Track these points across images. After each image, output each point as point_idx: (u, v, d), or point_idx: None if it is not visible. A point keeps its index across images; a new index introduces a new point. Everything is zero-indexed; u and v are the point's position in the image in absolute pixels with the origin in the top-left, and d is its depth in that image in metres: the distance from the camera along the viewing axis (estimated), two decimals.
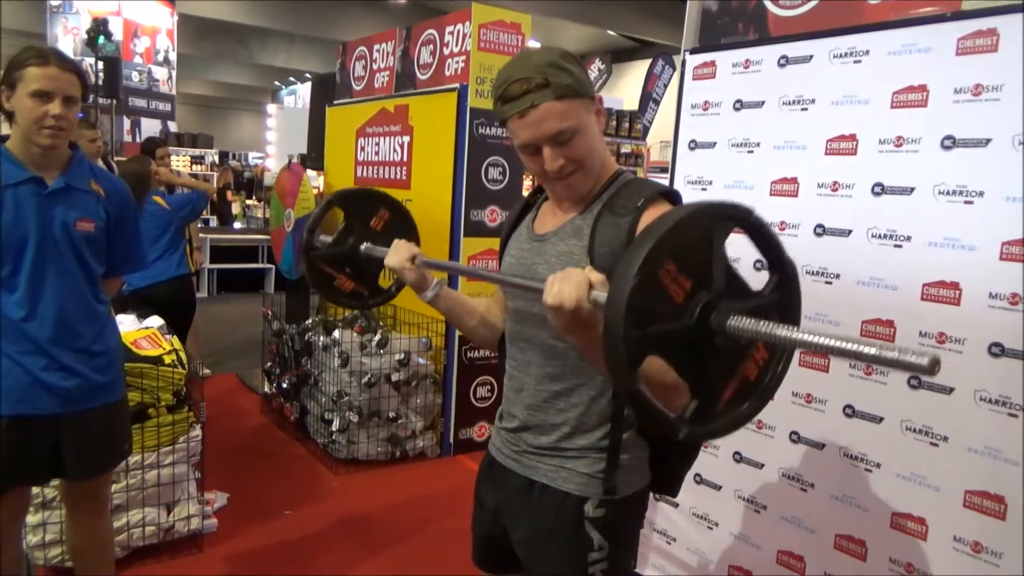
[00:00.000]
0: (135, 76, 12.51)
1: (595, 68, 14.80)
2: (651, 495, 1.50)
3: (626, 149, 6.75)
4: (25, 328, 1.86)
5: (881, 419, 2.12)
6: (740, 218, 1.05)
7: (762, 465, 2.44)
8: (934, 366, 0.79)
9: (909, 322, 2.05)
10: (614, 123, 6.44)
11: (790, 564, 2.36)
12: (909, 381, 2.06)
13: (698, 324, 0.98)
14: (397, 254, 1.53)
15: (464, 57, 3.92)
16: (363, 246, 1.72)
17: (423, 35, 4.31)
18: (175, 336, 3.05)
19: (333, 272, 1.75)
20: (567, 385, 1.38)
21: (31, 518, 2.55)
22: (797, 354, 2.31)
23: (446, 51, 4.09)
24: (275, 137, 11.05)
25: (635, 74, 14.89)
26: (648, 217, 1.28)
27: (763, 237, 1.07)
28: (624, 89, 14.25)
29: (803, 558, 2.32)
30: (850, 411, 2.19)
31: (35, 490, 2.49)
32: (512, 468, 1.46)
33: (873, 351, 0.83)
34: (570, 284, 1.06)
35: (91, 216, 1.94)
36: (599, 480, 1.36)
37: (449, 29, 4.05)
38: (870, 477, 2.15)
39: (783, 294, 1.07)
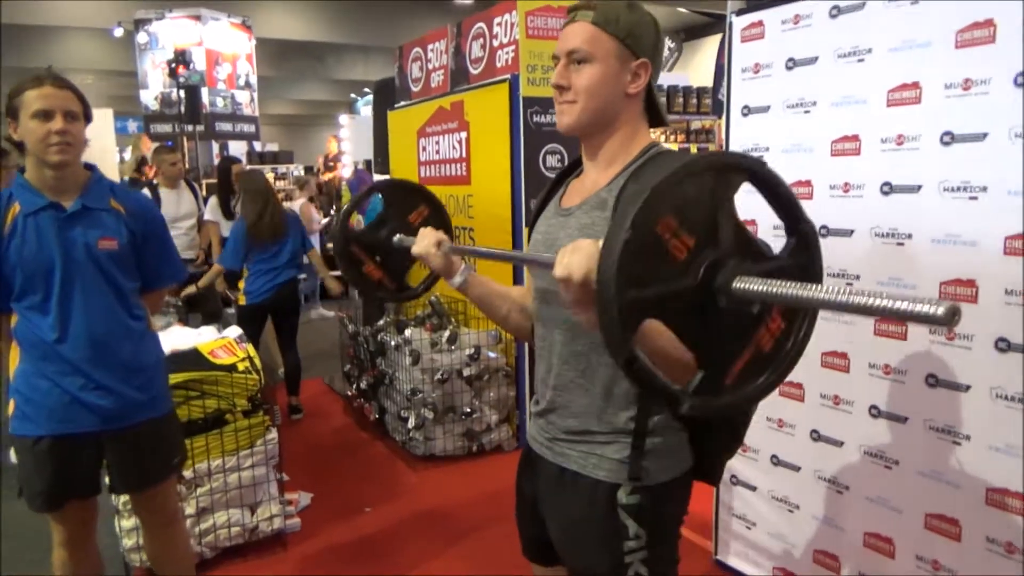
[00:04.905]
0: (219, 102, 13.13)
1: (665, 48, 14.44)
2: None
3: (696, 125, 6.54)
4: (60, 350, 1.90)
5: (968, 387, 1.96)
6: (750, 170, 0.96)
7: (842, 443, 2.30)
8: (952, 316, 0.70)
9: (993, 280, 1.88)
10: (681, 100, 6.24)
11: (879, 547, 2.21)
12: (997, 344, 1.89)
13: (702, 285, 0.90)
14: (423, 240, 1.53)
15: (513, 47, 3.88)
16: (396, 237, 1.72)
17: (473, 29, 4.30)
18: (250, 344, 3.15)
19: (363, 258, 1.75)
20: (589, 363, 1.33)
21: (126, 522, 2.69)
22: (871, 322, 2.17)
23: (495, 43, 4.06)
24: (348, 147, 11.33)
25: (711, 50, 14.47)
26: None
27: (777, 194, 0.98)
28: (698, 67, 13.85)
29: (892, 540, 2.18)
30: (933, 380, 2.03)
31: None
32: (545, 456, 1.43)
33: (892, 304, 0.74)
34: (579, 255, 1.03)
35: (112, 234, 1.95)
36: (630, 465, 1.31)
37: (497, 20, 4.03)
38: (959, 451, 1.99)
39: (801, 258, 0.97)
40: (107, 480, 2.13)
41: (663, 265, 0.89)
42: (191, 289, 4.38)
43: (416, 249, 1.53)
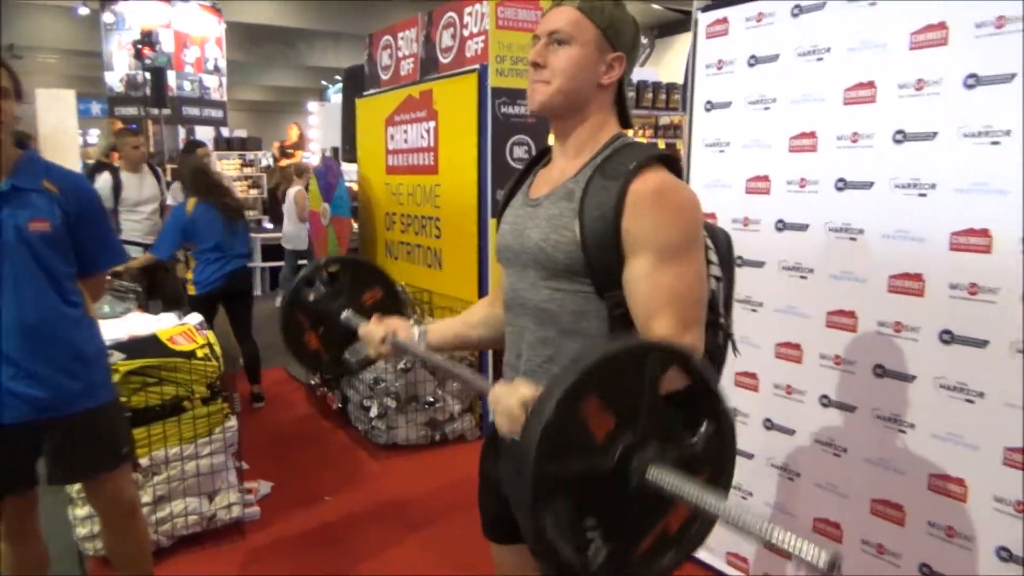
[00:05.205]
0: (187, 85, 12.87)
1: (640, 49, 14.49)
2: None
3: (664, 121, 6.61)
4: None
5: (914, 377, 2.02)
6: (679, 361, 1.03)
7: (793, 431, 2.36)
8: (832, 567, 0.77)
9: (939, 274, 1.94)
10: (650, 95, 6.31)
11: (827, 531, 2.27)
12: (941, 336, 1.95)
13: (618, 467, 0.95)
14: (372, 344, 1.58)
15: (483, 37, 3.88)
16: (344, 314, 1.70)
17: (444, 18, 4.29)
18: (210, 331, 3.12)
19: (306, 326, 1.73)
20: (559, 349, 1.35)
21: (79, 511, 2.66)
22: (824, 314, 2.23)
23: (466, 32, 4.06)
24: (317, 134, 11.24)
25: (682, 47, 14.56)
26: (640, 183, 1.25)
27: (702, 384, 1.04)
28: (669, 63, 13.96)
29: (840, 524, 2.24)
30: (880, 371, 2.09)
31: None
32: None
33: (779, 539, 0.82)
34: (503, 416, 1.09)
35: (44, 215, 1.84)
36: None
37: (468, 10, 4.02)
38: (905, 439, 2.06)
39: (716, 446, 1.04)
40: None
41: (582, 443, 0.93)
42: (119, 268, 4.29)
43: (370, 353, 1.59)
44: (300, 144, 12.08)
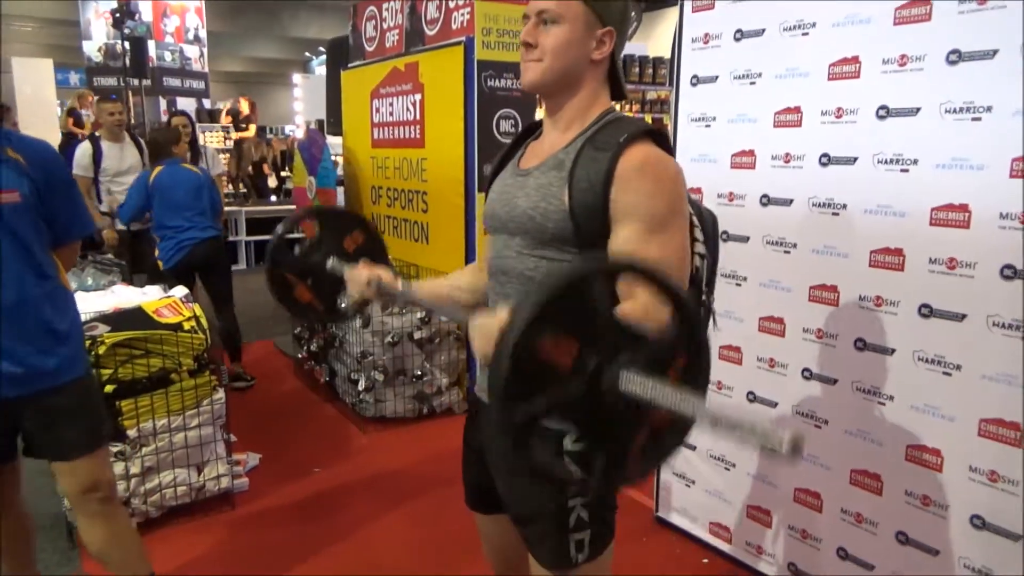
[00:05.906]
0: (167, 56, 12.68)
1: (632, 22, 14.37)
2: None
3: (652, 95, 6.58)
4: None
5: (893, 351, 2.06)
6: (618, 269, 1.08)
7: (776, 404, 2.40)
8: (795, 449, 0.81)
9: (918, 249, 1.98)
10: (637, 69, 6.27)
11: (807, 501, 2.33)
12: (920, 310, 1.99)
13: (590, 389, 0.96)
14: (356, 284, 1.58)
15: (469, 9, 3.85)
16: (329, 262, 1.71)
17: None
18: (196, 304, 3.11)
19: (295, 280, 1.74)
20: None
21: None
22: (806, 288, 2.26)
23: (452, 4, 4.02)
24: (302, 107, 11.11)
25: (671, 21, 14.44)
26: (629, 156, 1.27)
27: (656, 282, 1.05)
28: (658, 38, 13.84)
29: (819, 495, 2.29)
30: (861, 344, 2.13)
31: None
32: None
33: (747, 430, 0.84)
34: (481, 340, 1.12)
35: (13, 186, 1.77)
36: None
37: None
38: (883, 410, 2.10)
39: (684, 330, 1.05)
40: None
41: (550, 377, 0.95)
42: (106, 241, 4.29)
43: (352, 293, 1.59)
44: (252, 117, 11.88)
